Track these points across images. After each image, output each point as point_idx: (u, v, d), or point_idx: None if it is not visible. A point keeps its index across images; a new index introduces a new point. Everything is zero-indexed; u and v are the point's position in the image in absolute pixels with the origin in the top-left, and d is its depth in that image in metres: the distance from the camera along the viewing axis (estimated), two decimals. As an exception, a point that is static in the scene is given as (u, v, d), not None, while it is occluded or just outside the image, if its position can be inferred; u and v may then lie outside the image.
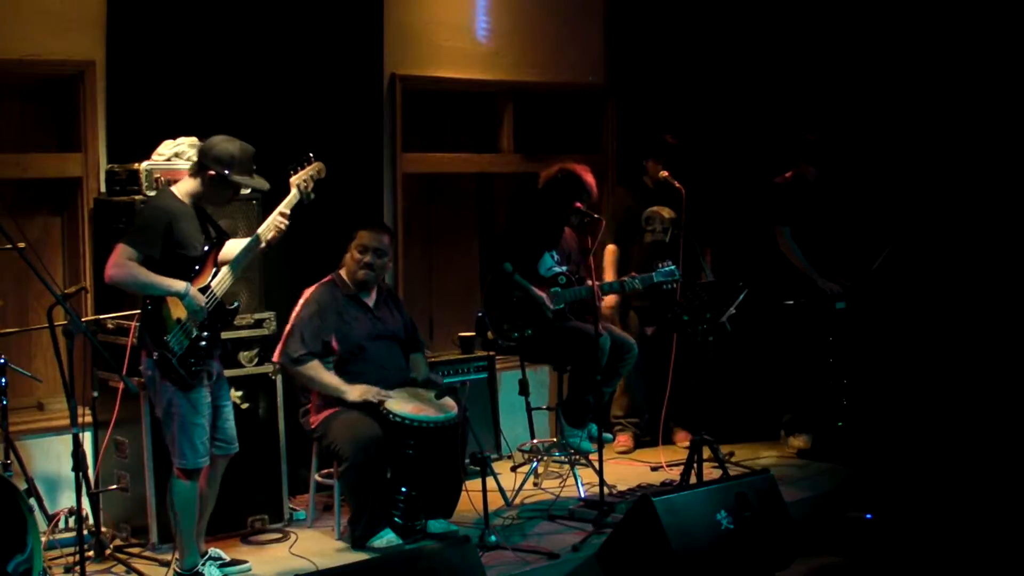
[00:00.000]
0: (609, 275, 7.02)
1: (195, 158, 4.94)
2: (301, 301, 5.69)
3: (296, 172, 5.07)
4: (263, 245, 4.97)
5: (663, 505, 5.10)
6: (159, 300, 4.74)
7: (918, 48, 7.54)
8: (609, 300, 7.01)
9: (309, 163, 5.10)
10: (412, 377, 5.86)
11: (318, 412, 5.66)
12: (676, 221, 7.13)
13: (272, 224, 4.97)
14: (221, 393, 5.04)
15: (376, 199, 6.86)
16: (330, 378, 5.61)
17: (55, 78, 5.80)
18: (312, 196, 5.08)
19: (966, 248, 7.45)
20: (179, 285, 4.73)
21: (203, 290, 4.83)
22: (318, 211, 5.56)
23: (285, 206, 5.00)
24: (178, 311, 4.76)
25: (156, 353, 4.72)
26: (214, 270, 4.90)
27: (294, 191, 5.03)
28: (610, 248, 7.16)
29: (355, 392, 5.54)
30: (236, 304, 5.04)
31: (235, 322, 5.17)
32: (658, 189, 7.13)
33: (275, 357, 5.67)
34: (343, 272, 5.79)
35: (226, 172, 4.81)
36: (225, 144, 4.83)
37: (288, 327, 5.65)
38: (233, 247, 5.02)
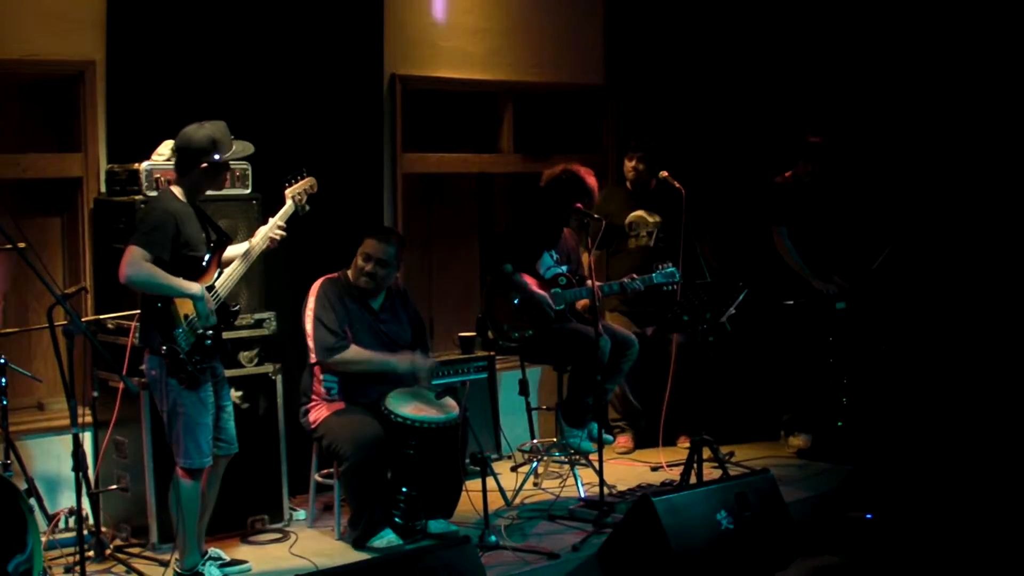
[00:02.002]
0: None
1: (177, 161, 4.94)
2: (311, 298, 5.68)
3: (291, 184, 5.22)
4: (255, 255, 5.06)
5: (663, 505, 5.11)
6: (168, 299, 4.76)
7: (918, 48, 7.54)
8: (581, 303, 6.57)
9: (303, 177, 5.24)
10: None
11: (318, 412, 5.66)
12: (661, 224, 7.13)
13: (266, 235, 5.05)
14: (223, 393, 5.06)
15: (376, 199, 6.86)
16: (372, 354, 5.64)
17: (55, 78, 5.79)
18: (307, 208, 5.23)
19: (966, 248, 7.45)
20: (194, 287, 4.77)
21: (208, 289, 4.86)
22: (319, 211, 5.58)
23: (280, 218, 5.12)
24: (185, 308, 4.78)
25: (165, 347, 4.73)
26: (218, 271, 4.92)
27: (289, 203, 5.17)
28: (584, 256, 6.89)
29: (404, 361, 5.64)
30: (237, 306, 5.06)
31: (235, 322, 5.17)
32: (636, 192, 7.14)
33: (312, 358, 5.65)
34: (350, 272, 5.78)
35: (217, 157, 4.85)
36: (201, 132, 4.85)
37: (310, 325, 5.63)
38: (232, 252, 5.06)
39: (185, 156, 4.87)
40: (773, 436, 7.49)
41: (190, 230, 4.82)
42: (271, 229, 5.06)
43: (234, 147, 4.95)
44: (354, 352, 5.61)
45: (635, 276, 6.57)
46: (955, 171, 7.48)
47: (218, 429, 4.99)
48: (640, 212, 7.18)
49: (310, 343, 5.63)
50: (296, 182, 5.21)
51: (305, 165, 5.30)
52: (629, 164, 7.17)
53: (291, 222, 5.19)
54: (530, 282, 6.29)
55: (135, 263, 4.67)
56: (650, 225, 7.17)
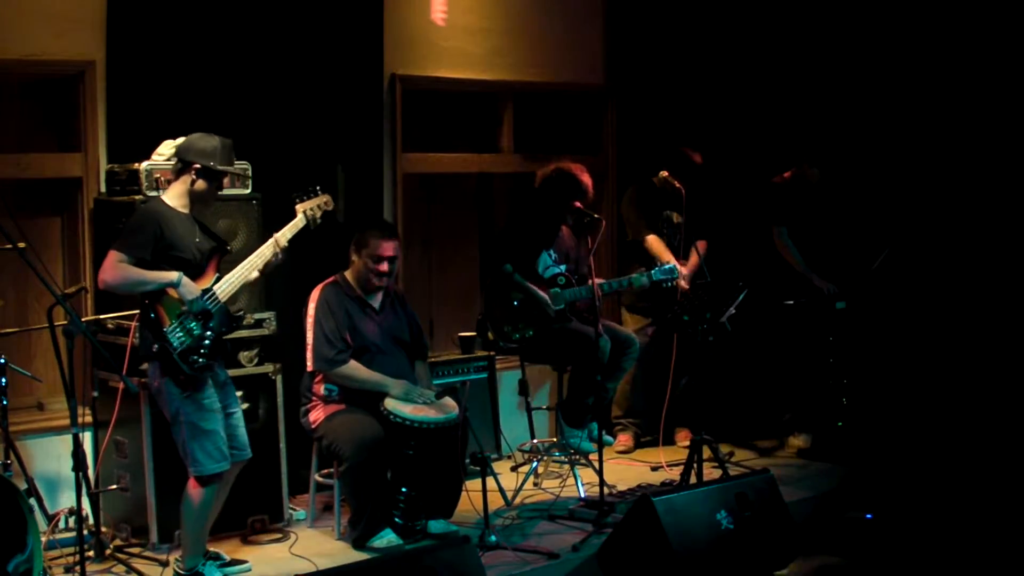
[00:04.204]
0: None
1: (176, 160, 4.95)
2: (312, 304, 5.67)
3: (303, 200, 5.20)
4: (255, 275, 5.02)
5: (663, 505, 5.10)
6: (156, 297, 4.75)
7: (918, 49, 7.54)
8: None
9: (316, 194, 5.24)
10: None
11: (318, 412, 5.66)
12: (681, 225, 7.14)
13: (264, 251, 5.02)
14: (230, 400, 5.04)
15: (376, 199, 6.86)
16: (369, 374, 5.63)
17: (55, 78, 5.79)
18: (319, 222, 5.21)
19: (965, 248, 7.45)
20: (171, 275, 4.76)
21: (205, 292, 4.85)
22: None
23: (289, 230, 5.10)
24: (175, 305, 4.76)
25: (156, 346, 4.72)
26: (216, 275, 4.92)
27: (300, 217, 5.16)
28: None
29: (397, 387, 5.59)
30: (241, 312, 5.05)
31: (238, 327, 5.16)
32: (666, 190, 7.13)
33: (309, 366, 5.65)
34: (348, 274, 5.78)
35: (211, 163, 4.84)
36: (205, 139, 4.88)
37: (311, 334, 5.62)
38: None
39: (182, 157, 4.88)
40: (773, 436, 7.49)
41: (176, 232, 4.81)
42: (272, 246, 5.01)
43: (233, 167, 4.96)
44: (352, 368, 5.60)
45: (631, 275, 6.54)
46: (954, 172, 7.48)
47: (228, 436, 4.97)
48: (670, 210, 7.18)
49: (309, 352, 5.64)
50: (309, 199, 5.21)
51: (305, 166, 5.30)
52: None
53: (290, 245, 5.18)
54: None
55: (110, 267, 4.69)
56: (675, 225, 7.17)
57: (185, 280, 4.78)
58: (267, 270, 5.08)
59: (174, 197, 4.90)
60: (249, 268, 5.00)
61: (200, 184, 4.89)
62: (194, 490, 4.87)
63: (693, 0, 8.01)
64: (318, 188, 5.26)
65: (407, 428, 5.42)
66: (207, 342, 4.82)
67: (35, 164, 5.77)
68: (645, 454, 7.23)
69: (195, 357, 4.78)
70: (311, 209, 5.19)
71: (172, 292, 4.76)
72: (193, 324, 4.79)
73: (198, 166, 4.84)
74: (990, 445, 6.88)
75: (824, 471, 6.84)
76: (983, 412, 7.16)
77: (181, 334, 4.76)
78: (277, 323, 5.82)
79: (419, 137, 7.31)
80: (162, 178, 5.42)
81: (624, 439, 7.36)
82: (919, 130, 7.56)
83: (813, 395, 7.28)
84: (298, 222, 5.14)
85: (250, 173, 5.09)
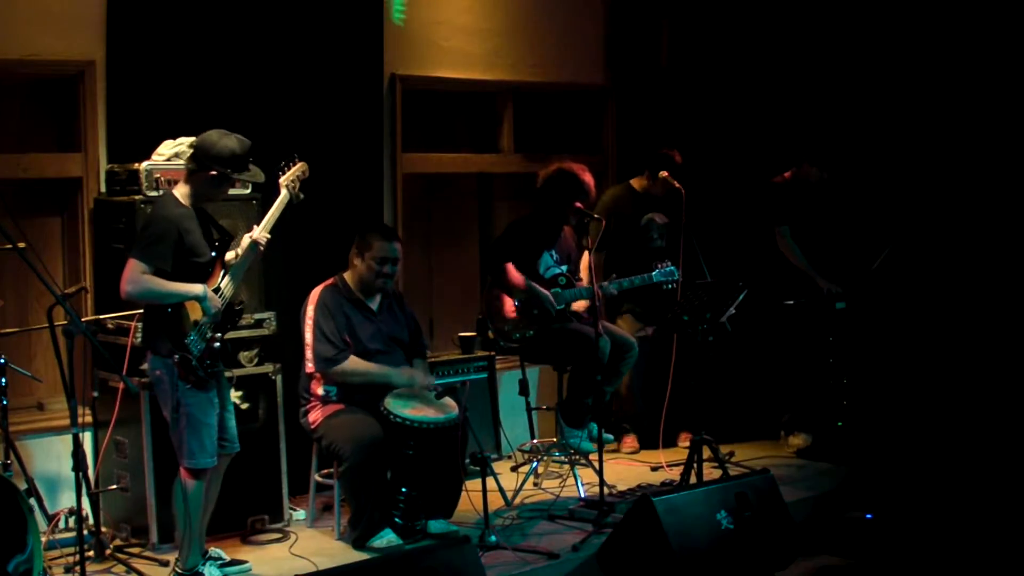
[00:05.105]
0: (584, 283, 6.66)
1: (192, 157, 4.91)
2: (311, 306, 5.67)
3: (284, 172, 5.15)
4: (261, 249, 5.00)
5: (663, 505, 5.11)
6: (178, 304, 4.76)
7: (918, 49, 7.55)
8: (579, 304, 6.63)
9: (295, 163, 5.18)
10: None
11: (317, 412, 5.66)
12: (668, 225, 7.13)
13: (251, 237, 4.99)
14: (224, 394, 5.06)
15: (376, 199, 6.86)
16: (371, 367, 5.64)
17: (55, 78, 5.79)
18: (301, 196, 5.16)
19: (965, 248, 7.45)
20: (197, 288, 4.77)
21: (214, 291, 4.86)
22: (318, 211, 5.57)
23: (277, 208, 5.06)
24: (195, 313, 4.78)
25: (177, 355, 4.73)
26: (222, 272, 4.92)
27: (284, 192, 5.11)
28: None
29: (403, 375, 5.64)
30: (242, 304, 5.06)
31: (239, 320, 5.16)
32: (649, 193, 7.12)
33: (308, 368, 5.64)
34: (348, 276, 5.78)
35: (229, 170, 4.82)
36: (224, 141, 4.83)
37: (309, 334, 5.62)
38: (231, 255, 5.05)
39: (199, 158, 4.84)
40: (773, 436, 7.49)
41: (194, 236, 4.81)
42: (250, 244, 4.99)
43: (250, 172, 4.93)
44: (353, 363, 5.60)
45: (630, 277, 6.51)
46: (955, 172, 7.48)
47: (220, 428, 4.99)
48: (652, 214, 7.17)
49: (308, 353, 5.64)
50: (288, 169, 5.15)
51: (305, 164, 5.27)
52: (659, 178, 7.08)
53: (292, 222, 5.16)
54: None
55: (134, 279, 4.68)
56: (661, 227, 7.16)
57: (210, 294, 4.80)
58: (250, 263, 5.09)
59: (185, 196, 4.87)
60: (241, 264, 4.99)
61: (212, 188, 4.87)
62: (187, 479, 4.89)
63: (693, 0, 8.01)
64: (295, 156, 5.20)
65: (407, 428, 5.42)
66: (217, 344, 4.85)
67: (35, 164, 5.77)
68: (645, 454, 7.23)
69: (208, 360, 4.81)
70: (292, 182, 5.12)
71: (192, 304, 4.76)
72: (206, 329, 4.81)
73: (214, 173, 4.83)
74: (990, 444, 6.87)
75: (824, 471, 6.84)
76: (983, 412, 7.16)
77: (198, 339, 4.78)
78: (277, 323, 5.82)
79: (419, 137, 7.32)
80: (162, 178, 5.42)
81: (630, 440, 7.36)
82: (919, 130, 7.56)
83: (813, 395, 7.28)
84: (283, 199, 5.08)
85: (263, 179, 5.04)
